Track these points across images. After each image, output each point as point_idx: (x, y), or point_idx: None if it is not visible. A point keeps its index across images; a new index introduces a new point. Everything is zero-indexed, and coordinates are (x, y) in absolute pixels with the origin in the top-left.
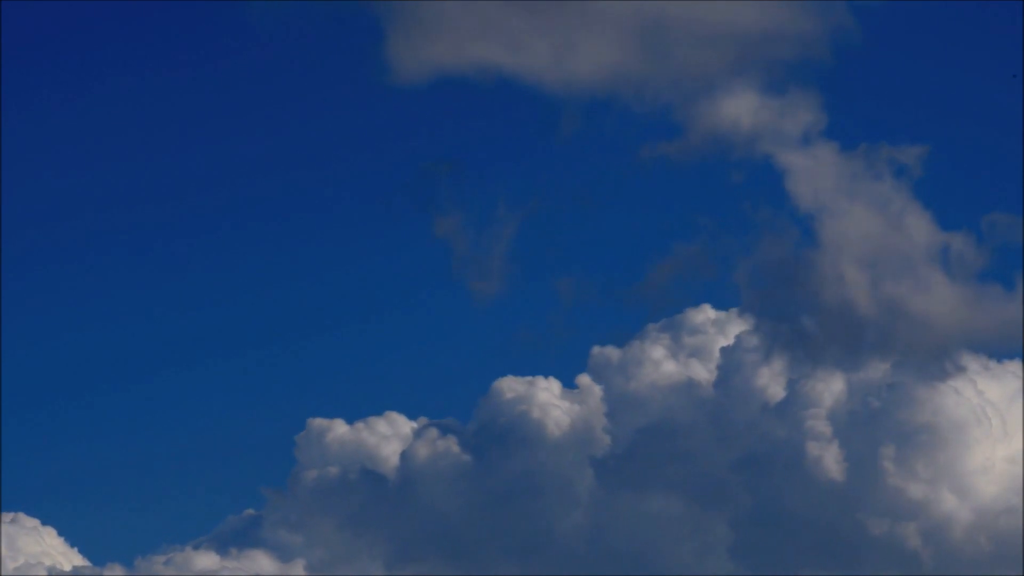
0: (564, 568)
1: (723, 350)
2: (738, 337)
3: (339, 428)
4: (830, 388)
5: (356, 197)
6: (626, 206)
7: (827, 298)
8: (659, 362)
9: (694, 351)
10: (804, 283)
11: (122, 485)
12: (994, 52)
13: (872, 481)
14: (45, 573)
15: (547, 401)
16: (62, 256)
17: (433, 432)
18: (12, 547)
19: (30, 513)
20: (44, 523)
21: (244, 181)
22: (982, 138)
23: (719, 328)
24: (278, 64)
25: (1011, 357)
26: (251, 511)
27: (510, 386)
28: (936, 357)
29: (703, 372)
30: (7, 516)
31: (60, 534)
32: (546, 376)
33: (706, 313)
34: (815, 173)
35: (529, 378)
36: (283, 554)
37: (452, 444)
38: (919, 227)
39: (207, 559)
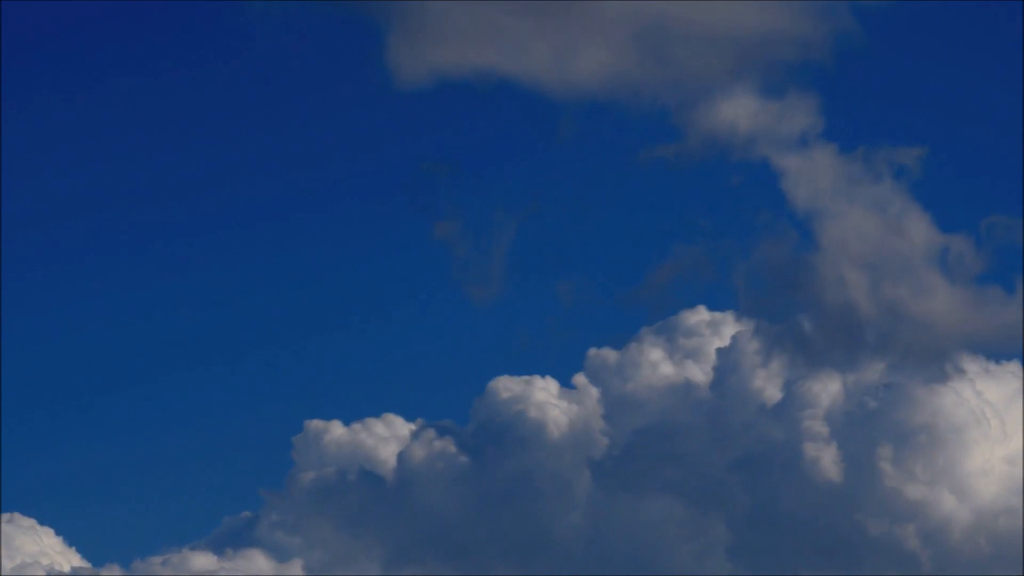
0: (562, 569)
1: (722, 352)
2: (737, 339)
3: (336, 430)
4: (827, 389)
5: (355, 199)
6: (625, 209)
7: (826, 300)
8: (656, 363)
9: (692, 353)
10: (803, 285)
11: (120, 486)
12: (994, 54)
13: (871, 482)
14: (43, 573)
15: (544, 400)
16: (61, 256)
17: (431, 433)
18: (10, 547)
19: (28, 513)
20: (42, 523)
21: (243, 183)
22: (982, 140)
23: (718, 330)
24: (279, 66)
25: (1010, 358)
26: (248, 513)
27: (506, 385)
28: (934, 358)
29: (700, 374)
30: (4, 516)
31: (58, 534)
32: (543, 377)
33: (705, 315)
34: (814, 175)
35: (526, 377)
36: (280, 555)
37: (449, 445)
38: (918, 229)
39: (205, 560)
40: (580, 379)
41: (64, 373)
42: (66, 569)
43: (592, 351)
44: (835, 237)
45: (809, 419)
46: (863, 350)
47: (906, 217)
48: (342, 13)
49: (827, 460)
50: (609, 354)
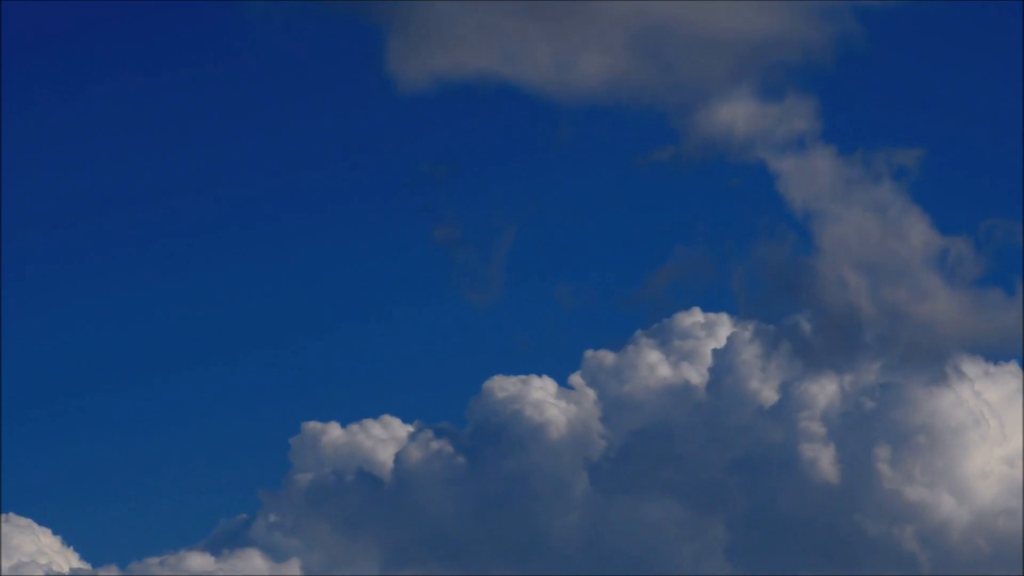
0: (560, 570)
1: (721, 353)
2: (736, 341)
3: (334, 431)
4: (826, 390)
5: (354, 201)
6: (624, 212)
7: (825, 302)
8: (654, 365)
9: (690, 355)
10: (802, 287)
11: (118, 487)
12: (995, 56)
13: (870, 484)
14: (41, 573)
15: (542, 399)
16: (59, 257)
17: (428, 435)
18: (7, 546)
19: (26, 513)
20: (40, 523)
21: (243, 185)
22: (982, 142)
23: (717, 332)
24: (279, 69)
25: (1008, 359)
26: (246, 514)
27: (501, 385)
28: (933, 360)
29: (698, 375)
30: (2, 516)
31: (56, 534)
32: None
33: (703, 317)
34: (813, 178)
35: (522, 376)
36: (278, 557)
37: (447, 446)
38: (918, 231)
39: (202, 562)
40: (577, 381)
41: (62, 374)
42: (64, 570)
43: (589, 353)
44: (834, 239)
45: (807, 420)
46: (862, 352)
47: (905, 219)
48: (342, 17)
49: (825, 461)
50: (606, 356)
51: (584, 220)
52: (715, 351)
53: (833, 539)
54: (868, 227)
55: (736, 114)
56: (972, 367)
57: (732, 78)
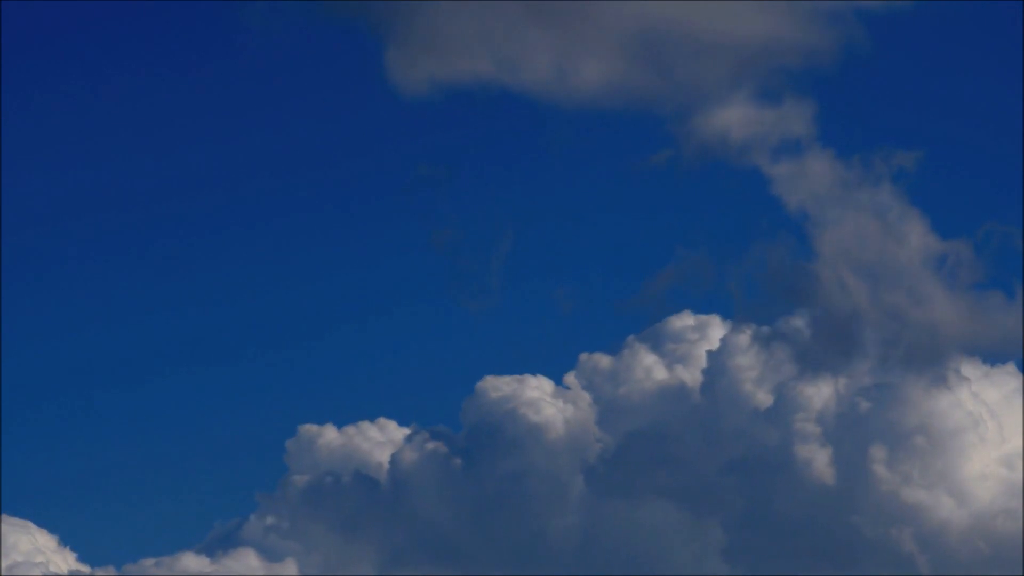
0: (556, 572)
1: (718, 356)
2: (734, 344)
3: (330, 434)
4: (821, 392)
5: (352, 205)
6: (622, 216)
7: (823, 305)
8: (651, 368)
9: (688, 358)
10: (800, 291)
11: (115, 489)
12: (996, 59)
13: (869, 485)
14: (39, 573)
15: (538, 399)
16: (57, 258)
17: (424, 437)
18: (4, 546)
19: (23, 514)
20: (37, 524)
21: (242, 187)
22: (981, 146)
23: (714, 335)
24: (280, 73)
25: (1007, 360)
26: (242, 516)
27: (495, 385)
28: (932, 363)
29: (696, 377)
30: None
31: (53, 535)
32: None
33: (702, 320)
34: (812, 181)
35: (518, 376)
36: (275, 559)
37: (443, 448)
38: (917, 235)
39: (199, 564)
40: (574, 384)
41: (59, 375)
42: (63, 570)
43: (584, 356)
44: (832, 243)
45: (803, 422)
46: (861, 355)
47: (904, 223)
48: (342, 21)
49: (822, 462)
50: (602, 359)
51: (582, 224)
52: (712, 353)
53: (831, 540)
54: (867, 230)
55: (734, 118)
56: (970, 368)
57: (730, 82)
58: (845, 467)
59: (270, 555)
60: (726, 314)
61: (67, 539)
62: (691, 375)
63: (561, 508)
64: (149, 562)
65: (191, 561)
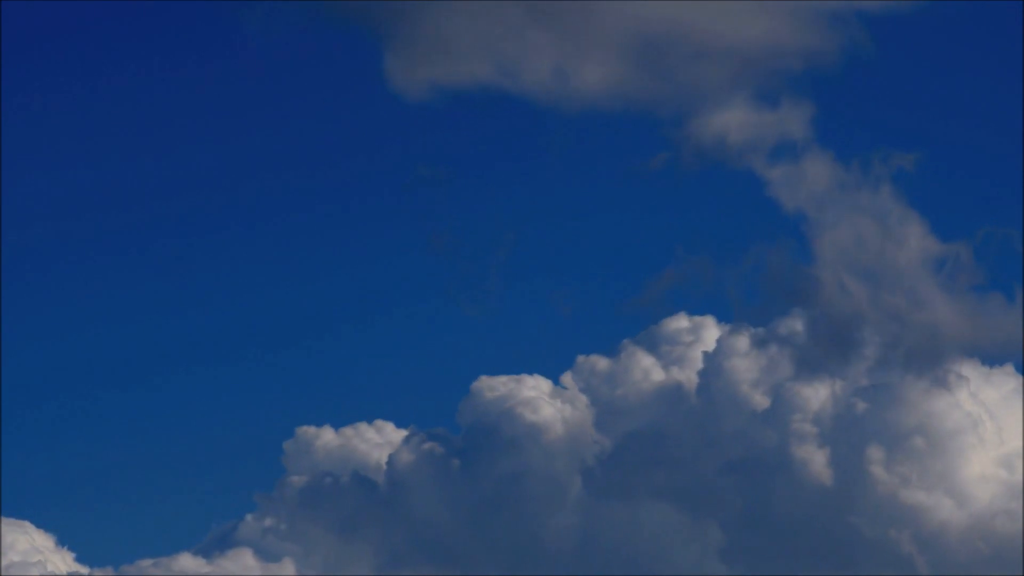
0: (555, 572)
1: (716, 358)
2: (733, 346)
3: (328, 436)
4: (822, 394)
5: (350, 207)
6: (622, 219)
7: (821, 307)
8: (648, 370)
9: (686, 360)
10: (799, 293)
11: (112, 490)
12: (996, 63)
13: (867, 486)
14: (37, 573)
15: (535, 398)
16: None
17: (422, 438)
18: (2, 546)
19: (21, 515)
20: (36, 524)
21: (240, 189)
22: (981, 148)
23: (713, 337)
24: (279, 75)
25: (1005, 361)
26: (240, 518)
27: (490, 385)
28: (931, 365)
29: (692, 379)
30: None
31: (51, 536)
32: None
33: (700, 322)
34: (811, 184)
35: (515, 376)
36: (272, 560)
37: (440, 449)
38: (916, 237)
39: (196, 565)
40: (571, 386)
41: (57, 377)
42: (61, 570)
43: (581, 358)
44: (831, 245)
45: (801, 422)
46: (859, 356)
47: (904, 225)
48: (342, 24)
49: (819, 463)
50: (599, 360)
51: (581, 226)
52: (710, 355)
53: (829, 541)
54: (866, 233)
55: (734, 120)
56: (968, 369)
57: (730, 84)
58: (843, 468)
59: (268, 556)
60: (725, 316)
61: (65, 539)
62: (689, 376)
63: (559, 509)
64: (147, 563)
65: (188, 562)
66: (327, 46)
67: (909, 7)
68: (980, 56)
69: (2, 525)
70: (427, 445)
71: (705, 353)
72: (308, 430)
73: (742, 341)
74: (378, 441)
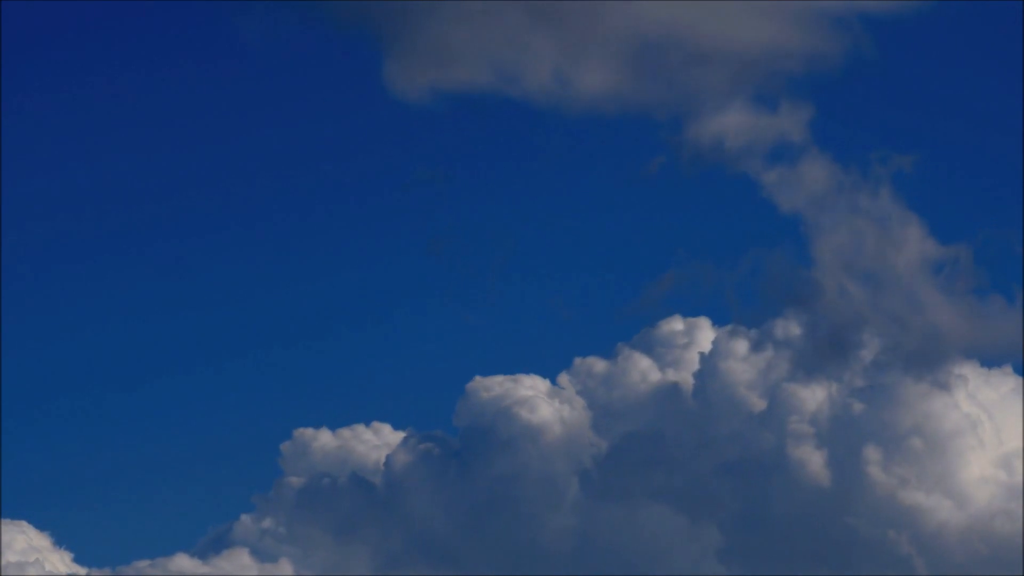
0: (553, 573)
1: (714, 360)
2: (731, 348)
3: (325, 437)
4: (815, 395)
5: (349, 209)
6: (621, 222)
7: (820, 310)
8: (646, 371)
9: (685, 362)
10: (798, 295)
11: (110, 492)
12: (996, 65)
13: (864, 487)
14: (35, 573)
15: (532, 397)
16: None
17: (419, 440)
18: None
19: (19, 516)
20: (34, 525)
21: (239, 191)
22: (981, 150)
23: (712, 340)
24: (279, 78)
25: (1004, 362)
26: (238, 519)
27: (486, 385)
28: (931, 367)
29: (690, 381)
30: None
31: (50, 536)
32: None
33: (698, 324)
34: (809, 186)
35: (512, 376)
36: (270, 561)
37: (438, 450)
38: (915, 240)
39: (194, 567)
40: (567, 386)
41: (55, 378)
42: (60, 570)
43: (578, 360)
44: (830, 248)
45: (798, 423)
46: (857, 358)
47: (903, 228)
48: (342, 27)
49: (817, 464)
50: (597, 362)
51: (580, 229)
52: (708, 356)
53: (828, 542)
54: (865, 235)
55: (733, 123)
56: (967, 370)
57: (729, 88)
58: (840, 469)
59: (265, 557)
60: (723, 318)
61: (63, 539)
62: (686, 378)
63: (556, 511)
64: (144, 563)
65: (185, 563)
66: (327, 48)
67: (911, 10)
68: (980, 58)
69: (0, 525)
70: (424, 446)
71: (702, 354)
72: (305, 432)
73: (740, 342)
74: (375, 443)
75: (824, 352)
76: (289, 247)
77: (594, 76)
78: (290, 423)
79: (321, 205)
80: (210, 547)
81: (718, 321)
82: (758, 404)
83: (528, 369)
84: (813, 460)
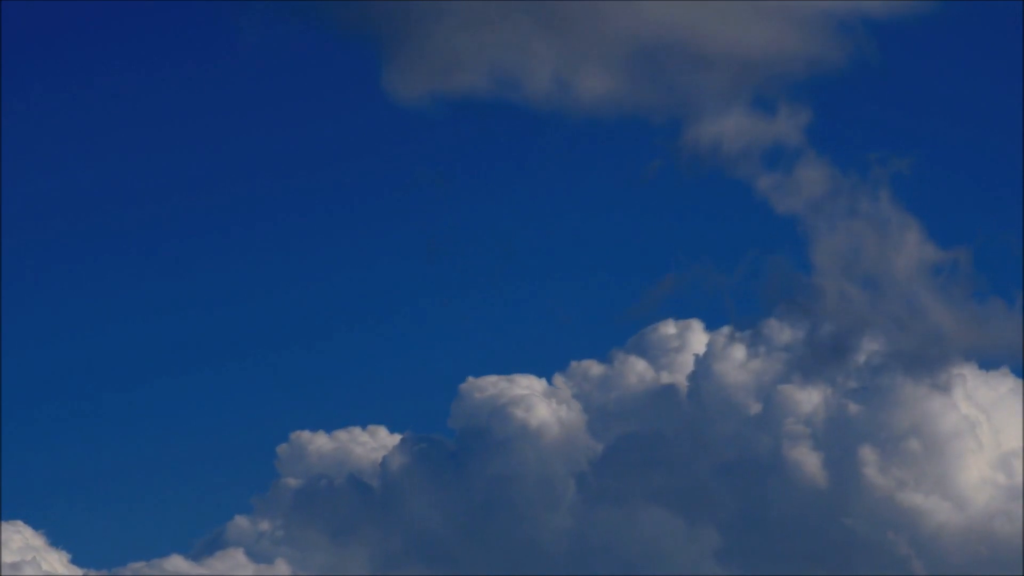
0: (550, 574)
1: (712, 361)
2: (729, 349)
3: (321, 440)
4: (812, 397)
5: (348, 212)
6: (621, 225)
7: (819, 312)
8: (642, 373)
9: (682, 363)
10: (796, 298)
11: (107, 493)
12: (996, 67)
13: (862, 488)
14: (32, 573)
15: (528, 395)
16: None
17: (416, 441)
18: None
19: (16, 516)
20: (31, 525)
21: (237, 194)
22: (980, 153)
23: (711, 342)
24: (279, 80)
25: (1003, 364)
26: (235, 521)
27: (480, 385)
28: (930, 369)
29: (691, 384)
30: None
31: (46, 536)
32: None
33: (697, 327)
34: (808, 189)
35: (507, 376)
36: (267, 563)
37: (435, 452)
38: (914, 243)
39: (191, 568)
40: (563, 388)
41: (53, 378)
42: (57, 570)
43: (575, 363)
44: (828, 251)
45: (794, 425)
46: (857, 360)
47: (902, 231)
48: (342, 30)
49: (814, 465)
50: (593, 365)
51: (580, 233)
52: (704, 359)
53: (826, 542)
54: (864, 238)
55: (731, 127)
56: (965, 372)
57: (729, 92)
58: (837, 470)
59: (261, 559)
60: (722, 321)
61: (60, 540)
62: (683, 380)
63: (553, 512)
64: (139, 565)
65: (181, 564)
66: (327, 52)
67: (913, 12)
68: (980, 60)
69: None
70: (421, 448)
71: (698, 357)
72: (302, 434)
73: (737, 345)
74: (372, 445)
75: (823, 354)
76: (285, 251)
77: (593, 80)
78: (287, 426)
79: (318, 208)
80: (206, 549)
81: (716, 323)
82: (754, 406)
83: (531, 369)
84: (810, 461)
